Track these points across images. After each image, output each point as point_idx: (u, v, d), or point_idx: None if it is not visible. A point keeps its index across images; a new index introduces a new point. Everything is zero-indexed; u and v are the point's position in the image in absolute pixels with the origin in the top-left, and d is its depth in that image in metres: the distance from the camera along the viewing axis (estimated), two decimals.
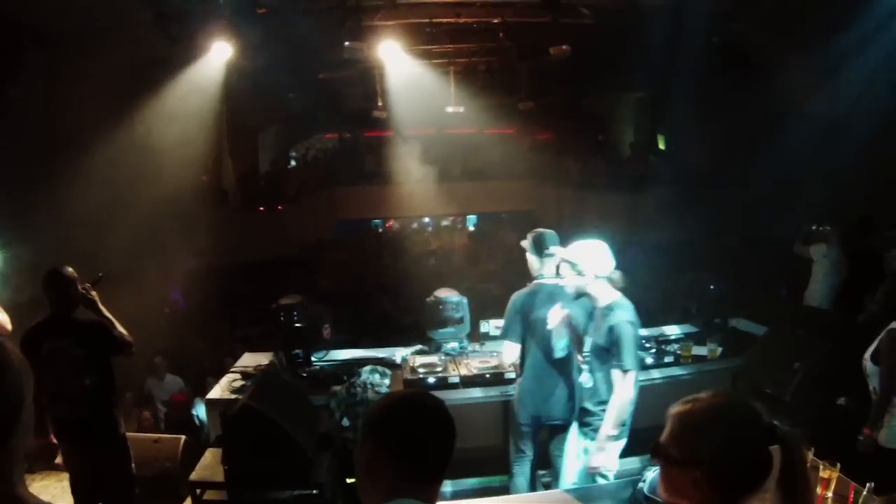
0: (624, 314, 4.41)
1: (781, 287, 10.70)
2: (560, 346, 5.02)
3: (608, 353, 4.45)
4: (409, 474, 1.91)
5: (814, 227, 8.72)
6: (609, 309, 4.46)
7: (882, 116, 9.34)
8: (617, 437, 4.42)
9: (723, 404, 1.89)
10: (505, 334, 5.30)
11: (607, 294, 4.53)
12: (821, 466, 3.69)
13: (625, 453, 4.57)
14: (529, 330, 5.13)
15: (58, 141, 9.40)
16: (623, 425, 4.41)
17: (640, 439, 4.50)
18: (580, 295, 4.64)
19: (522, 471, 5.32)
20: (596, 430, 4.48)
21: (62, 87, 9.33)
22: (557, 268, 4.90)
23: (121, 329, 4.97)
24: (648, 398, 4.66)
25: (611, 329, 4.40)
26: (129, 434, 5.21)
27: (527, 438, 5.27)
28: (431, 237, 20.95)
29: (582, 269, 4.53)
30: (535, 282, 5.15)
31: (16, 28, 8.28)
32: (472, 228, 21.78)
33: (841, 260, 8.24)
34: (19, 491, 1.57)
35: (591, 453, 4.44)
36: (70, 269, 4.83)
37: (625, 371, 4.31)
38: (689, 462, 1.83)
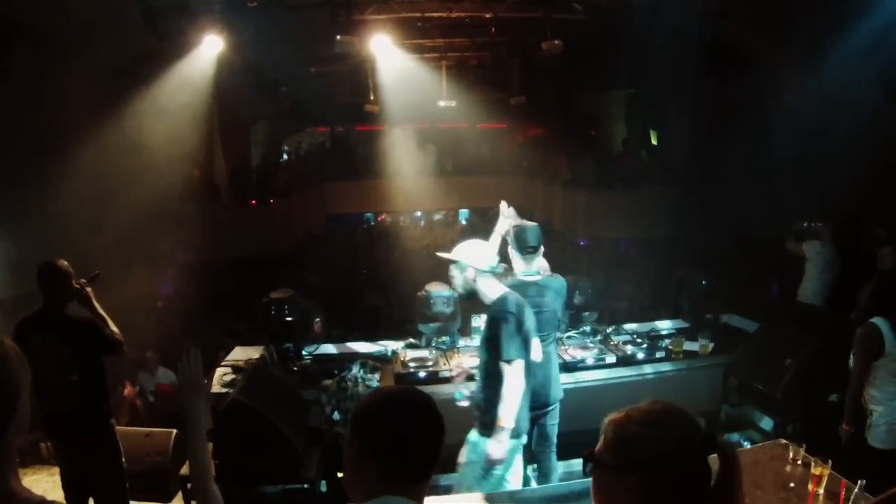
0: (502, 306, 4.43)
1: (772, 283, 10.73)
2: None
3: (491, 344, 4.46)
4: (393, 472, 1.90)
5: (805, 225, 8.69)
6: (493, 303, 4.51)
7: (872, 115, 9.36)
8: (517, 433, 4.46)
9: (660, 411, 1.82)
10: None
11: (493, 289, 4.55)
12: (812, 463, 3.70)
13: None
14: None
15: (46, 137, 9.34)
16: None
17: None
18: (470, 293, 4.63)
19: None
20: (485, 424, 4.46)
21: (51, 84, 9.27)
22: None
23: (113, 328, 4.95)
24: (639, 394, 4.65)
25: (489, 321, 4.50)
26: (120, 428, 5.19)
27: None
28: (423, 232, 20.94)
29: (464, 267, 4.54)
30: (514, 278, 5.06)
31: (3, 23, 8.22)
32: (464, 223, 21.78)
33: (834, 257, 8.17)
34: (13, 486, 1.55)
35: (490, 445, 4.38)
36: (65, 263, 4.80)
37: (508, 361, 4.32)
38: (622, 469, 1.77)
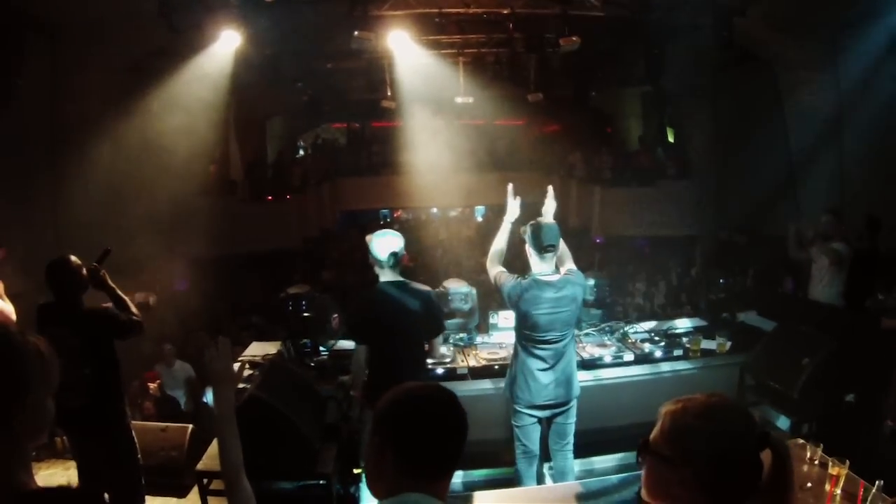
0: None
1: (788, 281, 10.67)
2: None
3: None
4: (415, 469, 1.90)
5: (806, 228, 8.17)
6: None
7: (889, 112, 9.30)
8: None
9: (718, 405, 1.82)
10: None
11: (385, 277, 4.93)
12: (830, 463, 3.68)
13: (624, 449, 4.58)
14: (524, 322, 5.07)
15: (61, 132, 9.39)
16: None
17: (647, 433, 4.47)
18: (399, 284, 4.95)
19: (527, 464, 5.31)
20: None
21: (66, 78, 9.31)
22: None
23: (132, 307, 4.96)
24: (657, 392, 4.64)
25: None
26: (135, 423, 5.21)
27: (528, 430, 5.24)
28: (440, 227, 20.96)
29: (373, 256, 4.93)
30: (531, 278, 5.07)
31: (19, 18, 8.25)
32: (479, 219, 21.78)
33: (849, 255, 7.76)
34: (21, 478, 1.56)
35: None
36: (73, 258, 4.80)
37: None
38: (678, 460, 1.78)
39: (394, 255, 4.85)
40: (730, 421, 1.80)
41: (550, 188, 5.36)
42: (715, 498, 1.76)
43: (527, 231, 5.06)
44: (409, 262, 5.39)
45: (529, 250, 5.05)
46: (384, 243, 4.88)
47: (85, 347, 4.60)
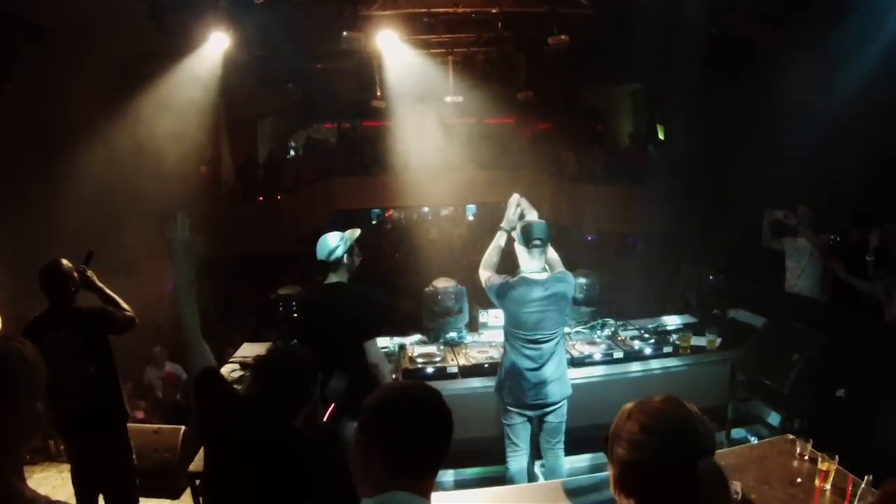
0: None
1: (779, 278, 10.69)
2: None
3: None
4: (401, 467, 1.91)
5: (782, 215, 8.31)
6: None
7: (880, 111, 9.33)
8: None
9: (659, 414, 1.78)
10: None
11: (329, 279, 5.01)
12: (819, 458, 3.70)
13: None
14: (512, 322, 5.08)
15: (51, 135, 9.37)
16: None
17: None
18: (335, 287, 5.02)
19: (518, 462, 5.31)
20: None
21: (56, 81, 9.30)
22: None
23: (122, 304, 4.97)
24: (647, 389, 4.65)
25: None
26: (129, 425, 5.21)
27: (518, 429, 5.25)
28: (431, 227, 20.96)
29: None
30: (519, 276, 5.08)
31: (8, 21, 8.24)
32: (471, 218, 21.78)
33: (816, 245, 7.88)
34: (16, 486, 1.55)
35: None
36: (65, 262, 4.80)
37: None
38: (610, 460, 1.81)
39: (331, 254, 4.89)
40: (659, 433, 1.75)
41: (513, 197, 5.37)
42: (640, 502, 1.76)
43: (516, 229, 5.08)
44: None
45: (519, 248, 5.06)
46: (321, 245, 4.95)
47: (87, 347, 4.60)
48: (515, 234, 5.08)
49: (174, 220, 2.58)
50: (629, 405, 1.85)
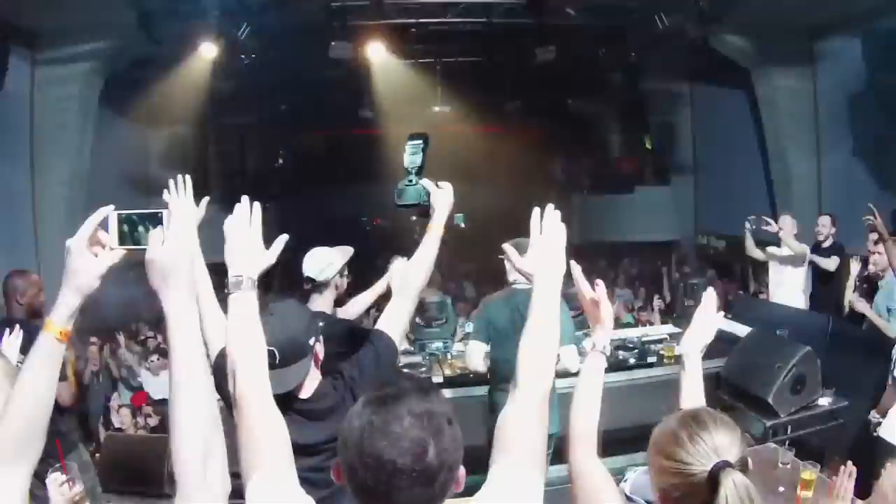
0: None
1: (765, 287, 10.74)
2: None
3: None
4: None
5: (758, 223, 8.08)
6: None
7: (864, 119, 9.39)
8: None
9: (688, 419, 1.86)
10: (474, 335, 5.34)
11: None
12: (801, 467, 3.72)
13: (606, 453, 4.59)
14: (500, 336, 5.08)
15: (40, 142, 9.34)
16: None
17: (620, 438, 4.50)
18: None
19: None
20: None
21: (45, 88, 9.28)
22: None
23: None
24: (631, 400, 4.67)
25: None
26: (118, 434, 5.18)
27: None
28: (418, 237, 20.91)
29: None
30: (510, 287, 5.10)
31: (1, 26, 8.23)
32: (462, 226, 21.76)
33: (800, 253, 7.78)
34: None
35: None
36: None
37: None
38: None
39: (321, 272, 4.36)
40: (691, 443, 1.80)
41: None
42: None
43: (509, 245, 5.09)
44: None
45: (508, 264, 5.08)
46: (311, 261, 4.43)
47: None
48: (509, 249, 5.08)
49: (175, 185, 2.51)
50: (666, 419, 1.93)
